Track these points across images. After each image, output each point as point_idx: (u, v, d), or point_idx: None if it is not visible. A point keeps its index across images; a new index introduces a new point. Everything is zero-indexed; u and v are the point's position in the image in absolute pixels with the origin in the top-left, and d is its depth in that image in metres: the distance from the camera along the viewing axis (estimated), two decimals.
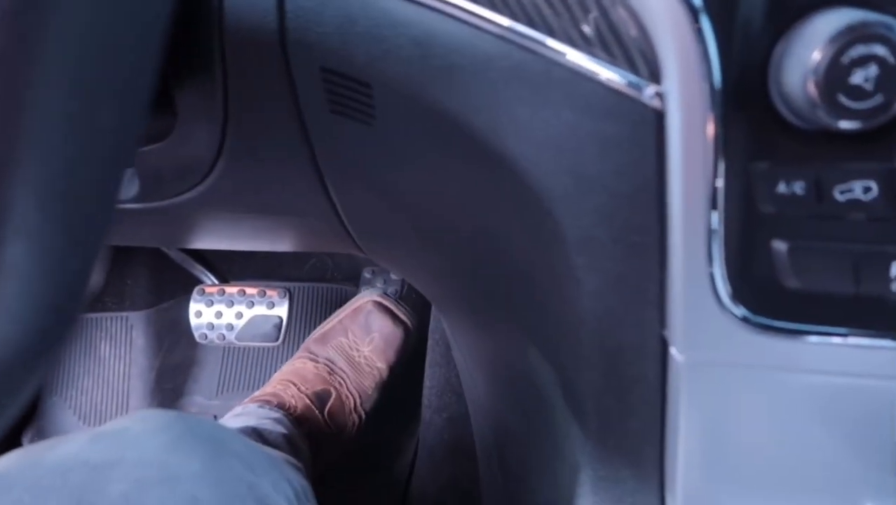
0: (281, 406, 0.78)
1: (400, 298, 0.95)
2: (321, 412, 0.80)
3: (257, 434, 0.69)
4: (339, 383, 0.83)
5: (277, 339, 0.98)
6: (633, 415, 0.31)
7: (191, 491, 0.38)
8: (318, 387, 0.81)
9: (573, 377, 0.33)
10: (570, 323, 0.32)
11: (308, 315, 1.07)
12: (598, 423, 0.32)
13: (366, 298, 0.90)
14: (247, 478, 0.41)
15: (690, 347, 0.28)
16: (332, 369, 0.83)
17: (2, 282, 0.11)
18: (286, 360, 1.08)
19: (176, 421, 0.43)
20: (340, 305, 1.04)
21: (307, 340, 0.92)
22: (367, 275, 1.03)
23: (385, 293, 0.91)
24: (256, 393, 0.84)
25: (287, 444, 0.70)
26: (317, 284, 1.09)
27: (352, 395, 0.82)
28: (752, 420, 0.28)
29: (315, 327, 1.08)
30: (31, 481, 0.37)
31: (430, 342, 0.86)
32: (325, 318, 1.07)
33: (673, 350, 0.28)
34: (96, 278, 1.06)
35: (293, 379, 0.82)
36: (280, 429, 0.72)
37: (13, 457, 0.39)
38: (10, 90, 0.10)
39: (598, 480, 0.34)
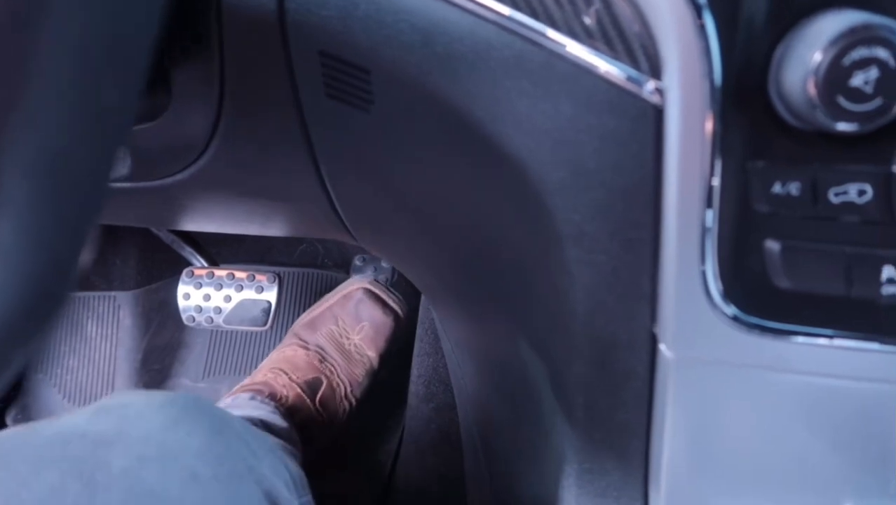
0: (272, 396, 0.78)
1: (391, 285, 0.95)
2: (312, 401, 0.79)
3: (256, 423, 0.69)
4: (330, 371, 0.82)
5: (266, 323, 0.98)
6: (620, 409, 0.31)
7: (191, 467, 0.38)
8: (310, 375, 0.81)
9: (563, 370, 0.33)
10: (561, 316, 0.32)
11: (297, 301, 1.07)
12: (585, 415, 0.32)
13: (356, 284, 0.89)
14: (247, 458, 0.41)
15: (680, 343, 0.28)
16: (322, 357, 0.83)
17: None
18: (274, 345, 1.07)
19: (178, 398, 0.43)
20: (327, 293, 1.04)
21: (295, 326, 0.91)
22: (357, 262, 1.03)
23: (375, 280, 0.90)
24: (245, 381, 0.83)
25: (281, 434, 0.70)
26: (306, 269, 1.09)
27: (342, 382, 0.82)
28: (737, 418, 0.28)
29: (304, 313, 1.07)
30: (29, 452, 0.36)
31: (418, 332, 0.86)
32: (313, 303, 1.07)
33: (662, 346, 0.28)
34: (85, 258, 1.05)
35: (284, 367, 0.81)
36: (275, 420, 0.72)
37: (10, 430, 0.39)
38: (6, 60, 0.10)
39: (584, 473, 0.34)
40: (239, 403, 0.76)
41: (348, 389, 0.83)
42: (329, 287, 1.07)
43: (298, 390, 0.79)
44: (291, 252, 1.11)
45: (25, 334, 0.13)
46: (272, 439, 0.53)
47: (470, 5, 0.27)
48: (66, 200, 0.12)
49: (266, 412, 0.73)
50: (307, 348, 0.84)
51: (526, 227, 0.32)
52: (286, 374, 0.80)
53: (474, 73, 0.28)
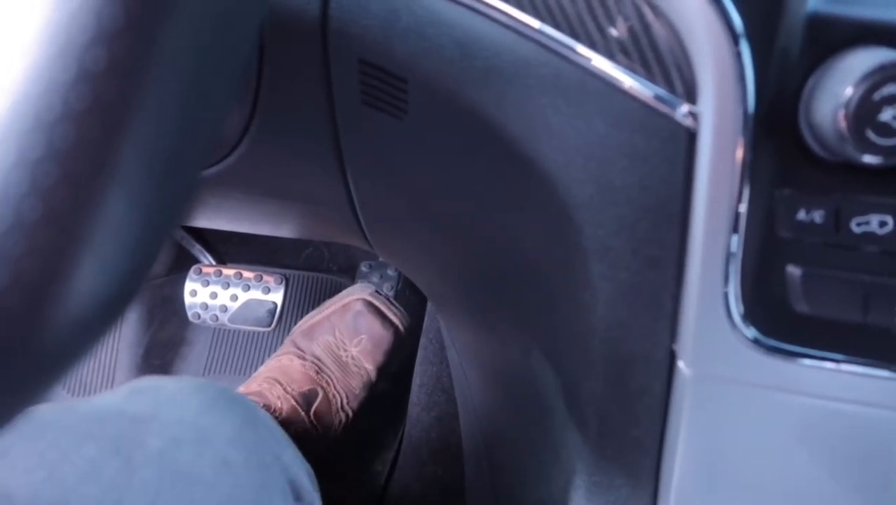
0: (266, 408, 0.77)
1: (394, 296, 0.95)
2: (307, 413, 0.79)
3: None
4: (327, 382, 0.82)
5: (270, 325, 0.98)
6: (634, 424, 0.31)
7: (223, 453, 0.39)
8: (305, 387, 0.80)
9: (578, 383, 0.34)
10: (580, 330, 0.32)
11: (302, 304, 1.07)
12: (598, 430, 0.33)
13: (356, 295, 0.88)
14: (274, 448, 0.43)
15: (699, 362, 0.28)
16: (319, 368, 0.83)
17: (100, 235, 0.12)
18: (276, 346, 1.08)
19: (208, 386, 0.45)
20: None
21: (293, 333, 0.91)
22: (363, 269, 1.03)
23: (378, 291, 0.89)
24: (240, 388, 0.83)
25: None
26: (312, 273, 1.10)
27: (339, 394, 0.82)
28: (751, 439, 0.29)
29: (302, 320, 1.08)
30: (68, 427, 0.37)
31: (423, 341, 0.87)
32: (314, 311, 1.07)
33: (681, 364, 0.29)
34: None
35: (279, 377, 0.81)
36: None
37: (46, 405, 0.39)
38: (137, 57, 0.11)
39: (593, 486, 0.34)
40: None
41: (344, 401, 0.82)
42: (334, 292, 1.08)
43: (293, 403, 0.78)
44: (298, 255, 1.12)
45: (117, 312, 0.13)
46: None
47: (510, 22, 0.28)
48: (173, 187, 0.13)
49: None
50: (304, 358, 0.83)
51: (550, 239, 0.32)
52: (281, 385, 0.80)
53: (511, 88, 0.29)
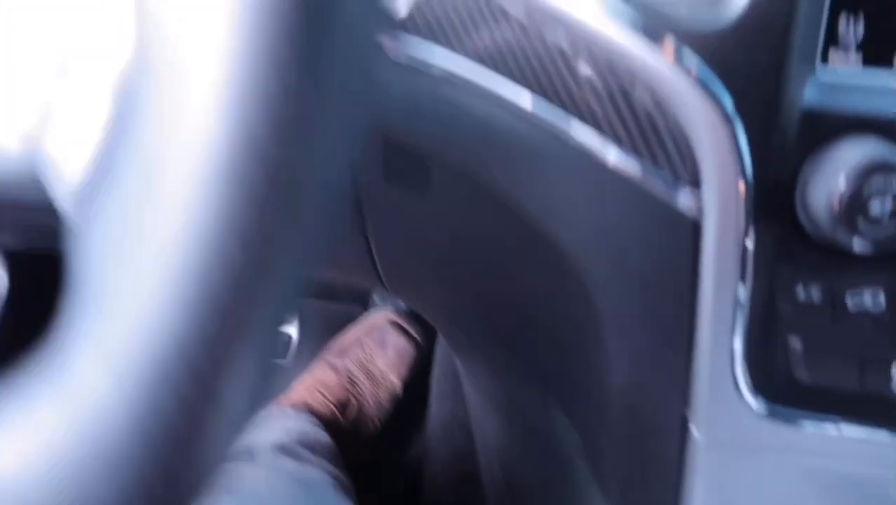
0: (311, 412, 0.82)
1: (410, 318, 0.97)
2: (344, 419, 0.84)
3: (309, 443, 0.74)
4: (359, 393, 0.87)
5: (285, 356, 0.99)
6: (652, 486, 0.33)
7: None
8: (341, 396, 0.86)
9: (596, 442, 0.36)
10: (596, 391, 0.34)
11: (317, 335, 1.08)
12: (619, 489, 0.35)
13: (380, 315, 0.95)
14: None
15: (710, 429, 0.30)
16: (352, 380, 0.88)
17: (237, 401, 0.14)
18: (291, 379, 1.09)
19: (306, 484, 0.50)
20: (347, 327, 1.05)
21: (324, 353, 0.96)
22: (376, 300, 1.05)
23: (396, 311, 0.96)
24: (284, 398, 0.88)
25: (328, 453, 0.74)
26: (325, 303, 1.11)
27: (369, 404, 0.87)
28: (764, 503, 0.31)
29: (320, 346, 1.09)
30: None
31: (436, 373, 0.88)
32: (332, 337, 1.08)
33: (693, 428, 0.31)
34: None
35: (318, 387, 0.86)
36: (324, 438, 0.76)
37: None
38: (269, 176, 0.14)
39: None
40: (288, 415, 0.80)
41: (373, 411, 0.87)
42: (347, 321, 1.09)
43: (333, 408, 0.83)
44: (309, 285, 1.13)
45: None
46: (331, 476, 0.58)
47: (527, 115, 0.30)
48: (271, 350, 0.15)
49: (315, 429, 0.77)
50: (337, 371, 0.89)
51: (565, 305, 0.34)
52: (321, 393, 0.85)
53: (529, 171, 0.31)
